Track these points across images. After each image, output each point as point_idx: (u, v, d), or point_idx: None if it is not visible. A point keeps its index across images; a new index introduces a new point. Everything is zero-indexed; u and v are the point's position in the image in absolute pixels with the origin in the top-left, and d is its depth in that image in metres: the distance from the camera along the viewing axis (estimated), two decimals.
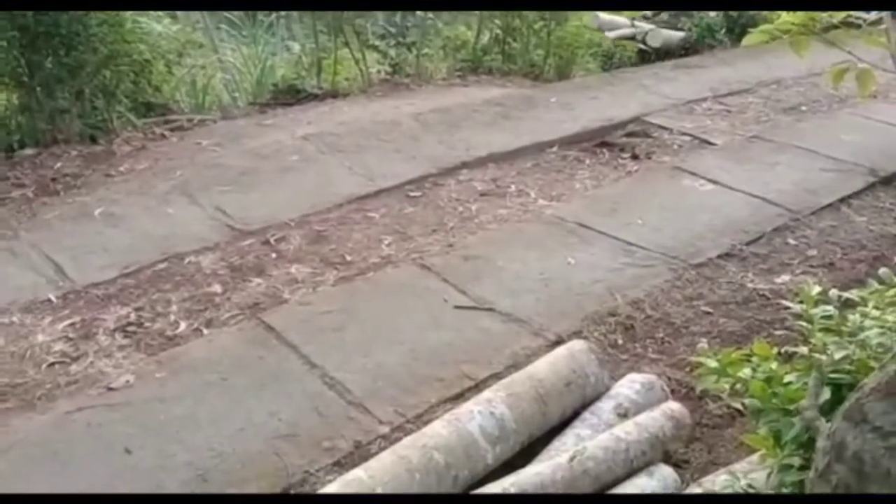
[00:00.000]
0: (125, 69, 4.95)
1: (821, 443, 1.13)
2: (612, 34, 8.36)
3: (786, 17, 1.15)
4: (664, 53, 8.24)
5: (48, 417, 2.54)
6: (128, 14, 5.00)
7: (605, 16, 8.59)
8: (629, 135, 5.24)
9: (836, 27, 1.22)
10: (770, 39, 1.25)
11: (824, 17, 1.14)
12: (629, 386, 2.52)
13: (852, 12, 1.15)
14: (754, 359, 1.92)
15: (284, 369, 2.77)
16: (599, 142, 5.13)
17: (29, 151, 4.58)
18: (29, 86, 4.64)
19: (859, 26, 1.30)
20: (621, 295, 3.24)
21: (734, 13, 7.76)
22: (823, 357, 1.77)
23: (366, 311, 3.13)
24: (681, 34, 8.44)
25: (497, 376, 2.66)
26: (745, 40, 1.34)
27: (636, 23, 8.60)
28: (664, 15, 8.86)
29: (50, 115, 4.68)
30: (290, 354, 2.85)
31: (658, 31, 8.39)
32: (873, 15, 1.19)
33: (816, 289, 1.89)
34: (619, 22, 8.67)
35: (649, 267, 3.49)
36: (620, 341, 2.97)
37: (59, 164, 4.46)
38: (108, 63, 4.79)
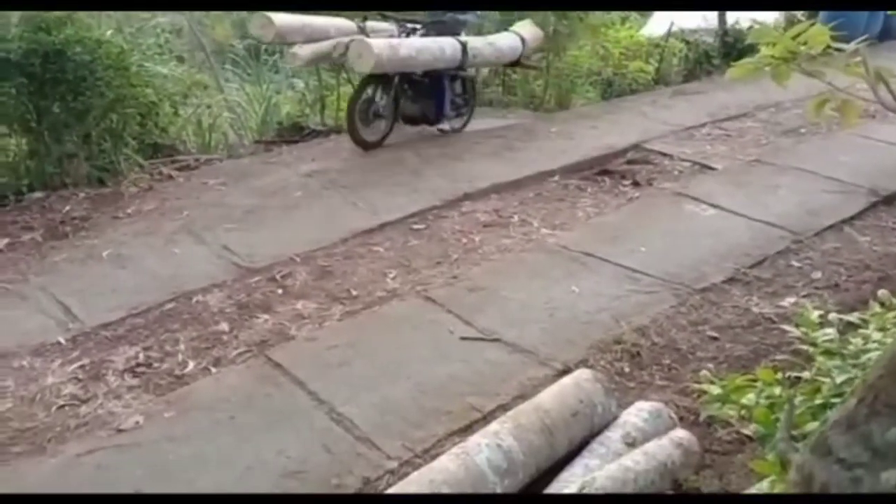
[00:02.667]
0: (132, 112, 5.03)
1: (792, 475, 1.15)
2: (305, 50, 5.30)
3: (765, 51, 1.19)
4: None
5: (58, 461, 2.55)
6: (134, 58, 5.11)
7: (296, 18, 5.31)
8: (630, 162, 5.29)
9: (814, 58, 1.26)
10: (753, 71, 1.29)
11: (803, 48, 1.18)
12: (637, 414, 2.52)
13: (832, 44, 1.19)
14: (759, 383, 1.93)
15: (292, 406, 2.78)
16: (600, 170, 5.17)
17: (37, 195, 4.65)
18: (37, 131, 4.72)
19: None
20: (626, 322, 3.25)
21: (731, 39, 7.85)
22: (826, 380, 1.78)
23: (372, 346, 3.14)
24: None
25: (504, 407, 2.66)
26: (729, 73, 1.38)
27: (370, 24, 5.55)
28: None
29: (58, 159, 4.76)
30: (297, 391, 2.86)
31: (363, 43, 4.96)
32: (852, 45, 1.22)
33: (816, 313, 1.90)
34: (336, 28, 5.46)
35: (654, 293, 3.49)
36: (627, 369, 2.97)
37: (67, 208, 4.52)
38: (115, 107, 4.87)
